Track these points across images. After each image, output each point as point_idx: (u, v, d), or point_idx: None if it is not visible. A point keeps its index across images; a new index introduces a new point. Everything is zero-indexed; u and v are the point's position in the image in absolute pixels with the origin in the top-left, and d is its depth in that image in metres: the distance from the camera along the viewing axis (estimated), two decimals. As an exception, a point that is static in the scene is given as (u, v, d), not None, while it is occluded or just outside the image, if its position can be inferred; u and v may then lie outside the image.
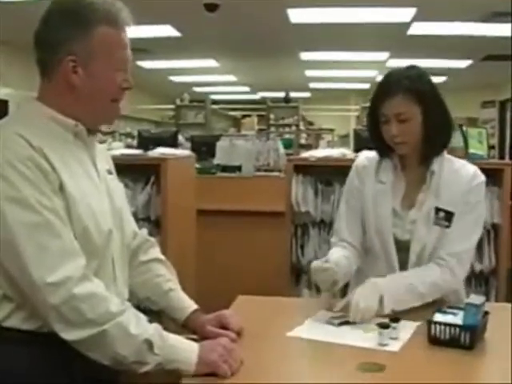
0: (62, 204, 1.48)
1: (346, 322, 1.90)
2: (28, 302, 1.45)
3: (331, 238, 2.32)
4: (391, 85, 2.09)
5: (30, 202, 1.42)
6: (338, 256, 2.11)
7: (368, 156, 2.29)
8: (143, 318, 1.51)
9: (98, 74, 1.57)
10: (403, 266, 2.16)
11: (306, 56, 10.13)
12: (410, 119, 2.06)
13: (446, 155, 2.18)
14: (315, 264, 1.99)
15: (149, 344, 1.45)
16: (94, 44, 1.55)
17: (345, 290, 2.65)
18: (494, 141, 10.90)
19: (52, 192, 1.46)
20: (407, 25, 7.46)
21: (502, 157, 10.42)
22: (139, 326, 1.47)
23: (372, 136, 2.21)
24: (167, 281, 1.84)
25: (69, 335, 1.42)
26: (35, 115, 1.57)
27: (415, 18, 7.12)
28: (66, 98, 1.57)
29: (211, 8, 6.56)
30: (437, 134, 2.11)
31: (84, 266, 1.46)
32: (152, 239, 1.94)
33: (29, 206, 1.42)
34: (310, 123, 16.02)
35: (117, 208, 1.69)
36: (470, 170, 2.18)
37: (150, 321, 1.53)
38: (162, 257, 1.91)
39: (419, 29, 7.66)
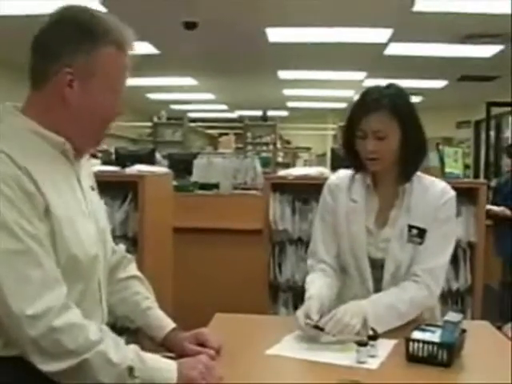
0: (46, 230, 1.41)
1: (320, 328, 1.87)
2: (5, 331, 1.38)
3: (308, 261, 2.29)
4: (371, 102, 2.08)
5: (12, 227, 1.34)
6: (320, 287, 2.10)
7: (339, 175, 2.29)
8: (121, 341, 1.46)
9: (94, 92, 1.49)
10: (377, 283, 2.16)
11: (283, 75, 10.19)
12: (387, 137, 2.06)
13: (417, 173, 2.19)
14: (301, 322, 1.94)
15: (130, 369, 1.40)
16: (97, 62, 1.48)
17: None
18: (469, 160, 11.03)
19: (36, 217, 1.39)
20: (384, 45, 7.55)
21: (476, 176, 10.55)
22: (119, 352, 1.42)
23: (347, 151, 2.20)
24: (145, 299, 1.81)
25: (48, 367, 1.36)
26: (19, 129, 1.47)
27: (392, 39, 7.21)
28: (55, 112, 1.49)
29: (190, 26, 6.58)
30: (414, 153, 2.11)
31: (65, 296, 1.41)
32: (129, 255, 1.91)
33: (11, 232, 1.34)
34: (287, 142, 16.08)
35: (101, 229, 1.64)
36: (439, 186, 2.18)
37: (127, 340, 1.49)
38: (139, 273, 1.88)
39: (396, 49, 7.75)
